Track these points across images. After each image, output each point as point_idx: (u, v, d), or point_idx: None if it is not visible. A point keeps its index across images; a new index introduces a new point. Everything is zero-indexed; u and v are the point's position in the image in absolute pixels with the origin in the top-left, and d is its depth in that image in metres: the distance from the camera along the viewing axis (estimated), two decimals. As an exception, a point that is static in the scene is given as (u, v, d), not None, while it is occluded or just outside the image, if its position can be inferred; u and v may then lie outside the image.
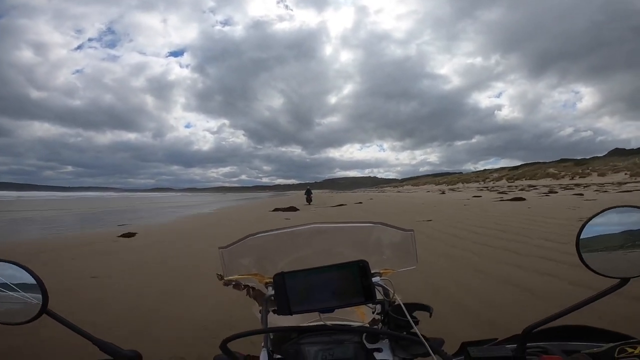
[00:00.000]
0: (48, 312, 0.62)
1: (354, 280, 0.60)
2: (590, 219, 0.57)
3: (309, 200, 23.12)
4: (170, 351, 2.11)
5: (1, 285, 0.62)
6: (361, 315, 0.83)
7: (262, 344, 0.68)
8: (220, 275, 0.81)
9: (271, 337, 0.69)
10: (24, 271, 0.63)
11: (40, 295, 0.61)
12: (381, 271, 0.75)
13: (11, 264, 0.63)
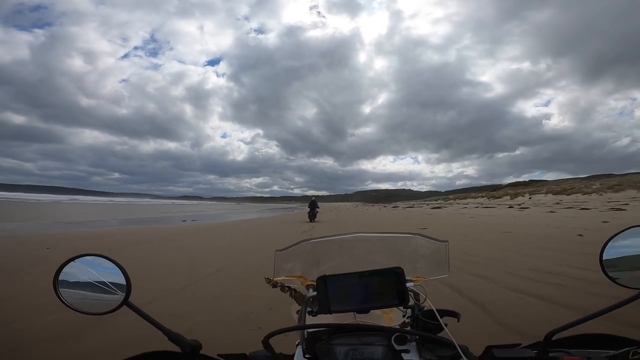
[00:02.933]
0: (128, 304, 0.68)
1: (390, 285, 0.69)
2: (613, 237, 0.64)
3: (312, 216, 17.52)
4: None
5: (90, 278, 0.69)
6: (389, 321, 0.88)
7: (297, 342, 0.74)
8: (268, 278, 0.91)
9: (305, 336, 0.73)
10: (113, 265, 0.70)
11: (124, 287, 0.69)
12: (413, 278, 0.83)
13: (102, 258, 0.71)
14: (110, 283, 0.69)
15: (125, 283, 0.69)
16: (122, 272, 0.69)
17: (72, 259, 0.70)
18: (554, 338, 0.61)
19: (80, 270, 0.70)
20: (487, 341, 0.73)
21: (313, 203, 17.79)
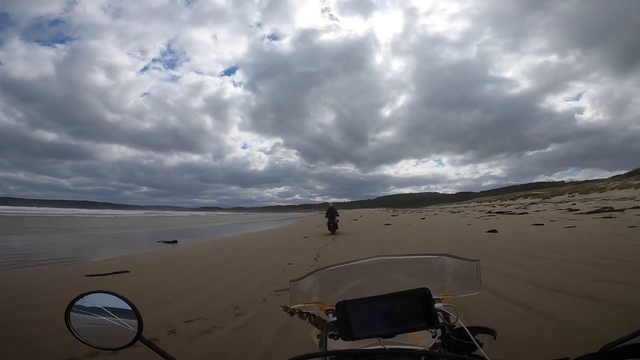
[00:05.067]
0: (142, 339, 0.68)
1: (416, 307, 0.64)
2: None
3: (333, 226, 13.49)
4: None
5: (101, 314, 0.71)
6: (416, 339, 0.84)
7: None
8: (285, 306, 0.89)
9: None
10: (121, 300, 0.71)
11: (135, 322, 0.70)
12: (441, 297, 0.77)
13: (110, 294, 0.72)
14: (122, 318, 0.70)
15: (136, 318, 0.70)
16: (132, 307, 0.70)
17: (82, 296, 0.72)
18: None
19: (91, 306, 0.72)
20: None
21: (331, 210, 14.11)
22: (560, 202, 42.96)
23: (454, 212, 31.47)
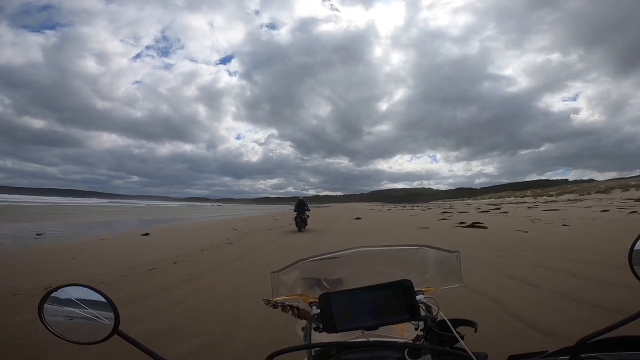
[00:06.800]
0: (119, 333, 0.66)
1: (398, 299, 0.64)
2: None
3: (300, 222, 12.42)
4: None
5: (76, 307, 0.69)
6: (401, 332, 0.85)
7: None
8: (266, 299, 0.84)
9: (313, 354, 0.72)
10: (96, 294, 0.69)
11: (112, 316, 0.67)
12: (423, 289, 0.76)
13: (85, 287, 0.70)
14: (98, 312, 0.68)
15: (112, 312, 0.68)
16: (108, 301, 0.68)
17: (56, 289, 0.70)
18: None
19: (65, 300, 0.70)
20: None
21: (301, 204, 12.77)
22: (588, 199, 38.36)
23: (485, 212, 25.92)
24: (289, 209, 15.74)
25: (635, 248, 0.59)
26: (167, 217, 25.87)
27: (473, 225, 11.71)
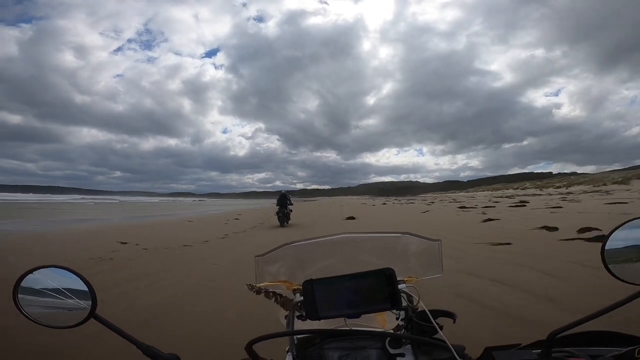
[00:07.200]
0: (96, 317, 0.65)
1: (381, 287, 0.63)
2: (614, 230, 0.61)
3: (283, 217, 12.22)
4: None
5: (52, 290, 0.66)
6: (383, 322, 0.85)
7: (287, 349, 0.71)
8: (250, 285, 0.84)
9: (295, 341, 0.71)
10: (74, 276, 0.66)
11: (89, 301, 0.65)
12: (405, 279, 0.77)
13: (62, 269, 0.67)
14: (74, 295, 0.65)
15: (89, 295, 0.65)
16: (85, 283, 0.66)
17: (31, 271, 0.67)
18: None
19: (41, 283, 0.66)
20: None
21: (283, 198, 12.48)
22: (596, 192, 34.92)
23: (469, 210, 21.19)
24: (272, 204, 14.35)
25: (606, 247, 0.60)
26: (107, 216, 20.23)
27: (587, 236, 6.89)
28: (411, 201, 40.01)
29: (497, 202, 26.00)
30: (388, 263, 0.65)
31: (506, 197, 36.42)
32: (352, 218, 14.68)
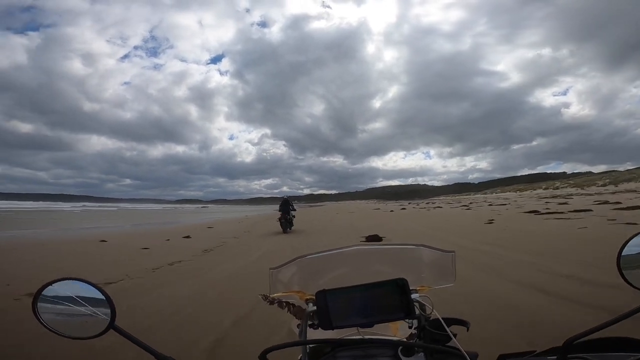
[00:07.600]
0: (115, 328, 0.67)
1: (394, 297, 0.65)
2: (634, 236, 0.61)
3: (285, 223, 11.82)
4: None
5: (71, 302, 0.68)
6: (395, 331, 0.86)
7: (299, 357, 0.72)
8: (264, 295, 0.85)
9: (308, 350, 0.72)
10: (93, 288, 0.68)
11: (108, 310, 0.67)
12: (418, 288, 0.78)
13: (81, 282, 0.69)
14: (93, 307, 0.67)
15: (109, 306, 0.67)
16: (104, 295, 0.67)
17: (51, 283, 0.69)
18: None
19: (60, 294, 0.68)
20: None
21: (285, 203, 12.30)
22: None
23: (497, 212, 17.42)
24: (274, 210, 14.00)
25: (623, 253, 0.60)
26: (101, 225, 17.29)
27: None
28: (438, 206, 37.18)
29: (564, 202, 22.96)
30: (400, 273, 0.66)
31: (551, 197, 33.46)
32: (378, 238, 8.46)
